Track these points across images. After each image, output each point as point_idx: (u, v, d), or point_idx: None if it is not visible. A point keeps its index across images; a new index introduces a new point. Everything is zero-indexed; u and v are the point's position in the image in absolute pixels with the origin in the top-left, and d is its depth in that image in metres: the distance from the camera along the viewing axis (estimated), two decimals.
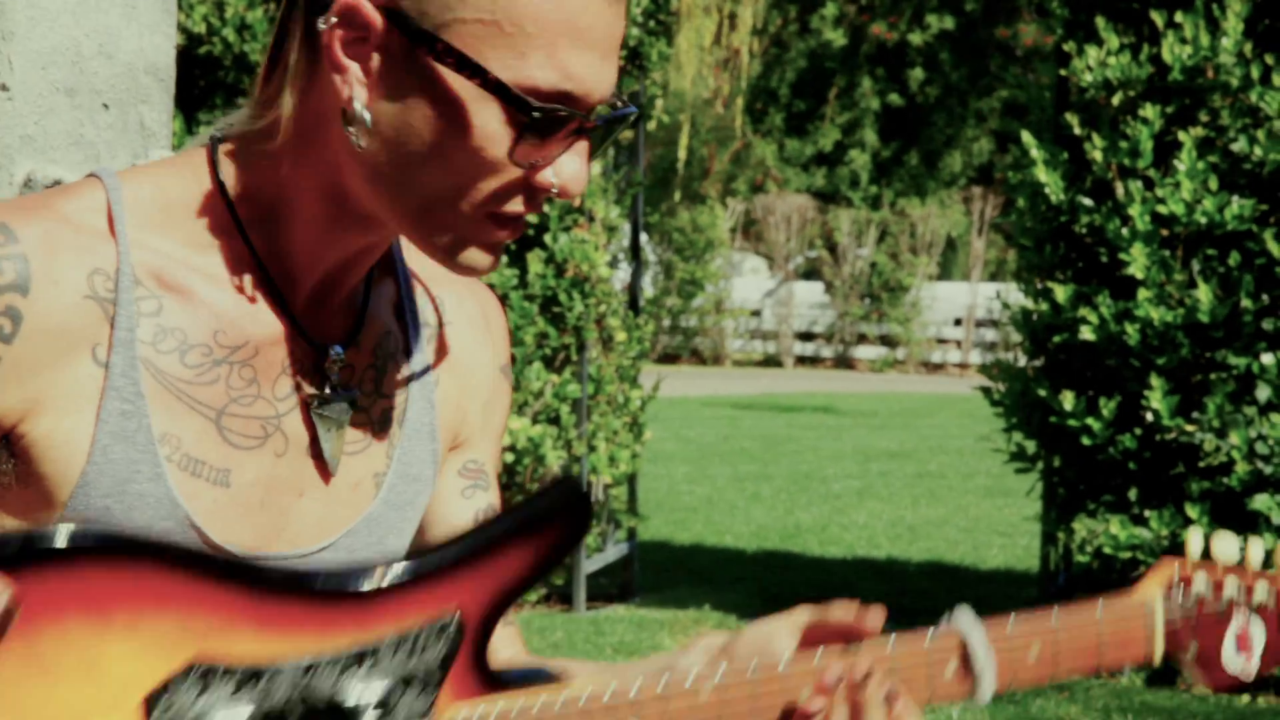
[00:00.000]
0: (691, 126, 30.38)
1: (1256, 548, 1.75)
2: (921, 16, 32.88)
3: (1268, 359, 6.76)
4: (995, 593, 8.79)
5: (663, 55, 8.39)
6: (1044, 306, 7.12)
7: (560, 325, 7.87)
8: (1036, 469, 7.35)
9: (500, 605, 1.47)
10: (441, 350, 1.67)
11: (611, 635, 7.81)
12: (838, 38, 32.91)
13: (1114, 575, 6.87)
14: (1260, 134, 6.80)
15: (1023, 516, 10.93)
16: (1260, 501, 6.70)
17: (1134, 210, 6.85)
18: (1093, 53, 7.02)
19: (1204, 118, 6.94)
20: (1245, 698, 6.76)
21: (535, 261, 7.72)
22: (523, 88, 1.43)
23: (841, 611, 1.60)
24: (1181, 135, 6.86)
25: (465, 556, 1.44)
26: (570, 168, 1.48)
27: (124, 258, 1.49)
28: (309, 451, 1.57)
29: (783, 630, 1.62)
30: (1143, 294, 6.83)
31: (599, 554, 8.55)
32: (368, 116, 1.45)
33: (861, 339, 27.78)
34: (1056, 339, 7.08)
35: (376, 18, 1.44)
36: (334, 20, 1.45)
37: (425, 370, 1.65)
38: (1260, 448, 6.73)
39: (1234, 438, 6.73)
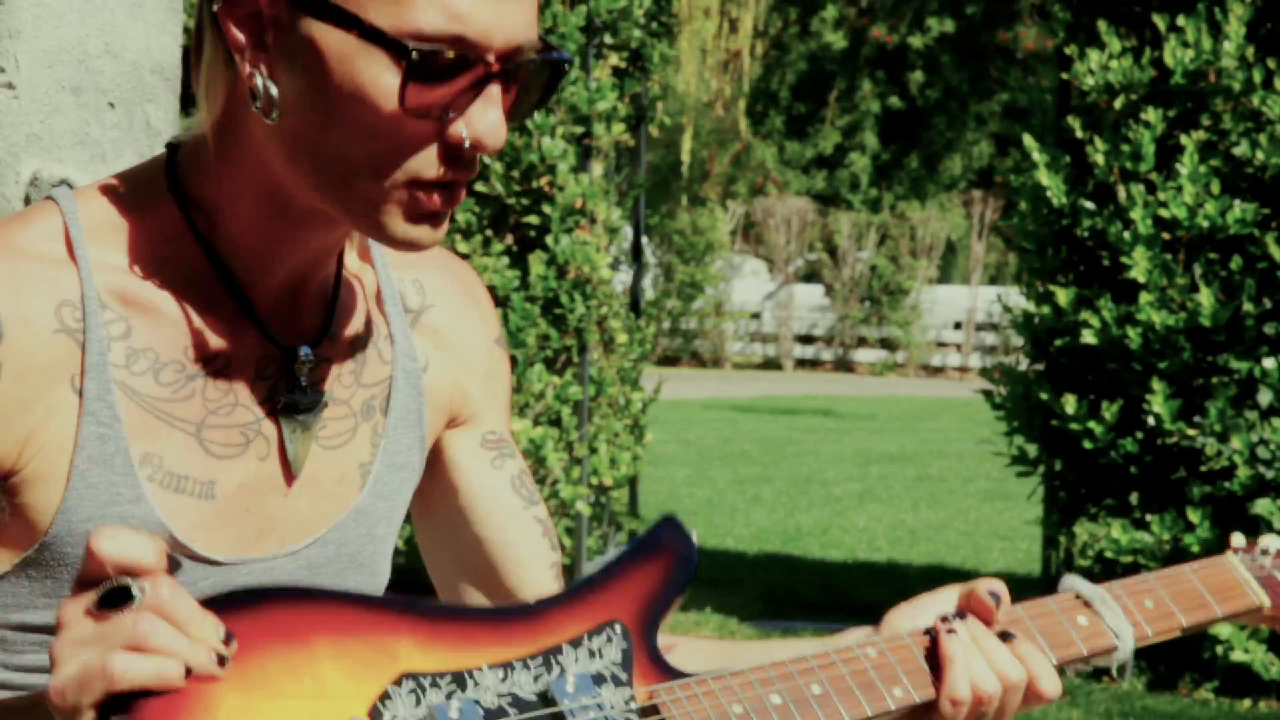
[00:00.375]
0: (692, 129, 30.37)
1: None
2: (922, 20, 32.85)
3: (1269, 363, 6.75)
4: None
5: (664, 57, 8.39)
6: (1045, 310, 7.12)
7: (562, 327, 7.86)
8: (1037, 472, 7.34)
9: (653, 613, 1.52)
10: (428, 332, 1.67)
11: None
12: (838, 40, 32.89)
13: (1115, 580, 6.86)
14: (1262, 138, 6.80)
15: (1023, 520, 10.92)
16: (1262, 506, 6.70)
17: (1136, 214, 6.84)
18: (1094, 56, 7.02)
19: (1206, 121, 6.94)
20: (1247, 702, 6.75)
21: (537, 263, 7.72)
22: (405, 33, 1.40)
23: (987, 585, 1.65)
24: (1183, 139, 6.86)
25: (599, 579, 1.54)
26: (484, 120, 1.43)
27: (87, 283, 1.49)
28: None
29: (931, 606, 1.68)
30: (1144, 298, 6.82)
31: (600, 556, 8.54)
32: (273, 89, 1.43)
33: (861, 342, 27.77)
34: (1058, 342, 7.08)
35: None
36: (224, 1, 1.45)
37: (410, 356, 1.65)
38: (1262, 452, 6.73)
39: (1235, 442, 6.73)
